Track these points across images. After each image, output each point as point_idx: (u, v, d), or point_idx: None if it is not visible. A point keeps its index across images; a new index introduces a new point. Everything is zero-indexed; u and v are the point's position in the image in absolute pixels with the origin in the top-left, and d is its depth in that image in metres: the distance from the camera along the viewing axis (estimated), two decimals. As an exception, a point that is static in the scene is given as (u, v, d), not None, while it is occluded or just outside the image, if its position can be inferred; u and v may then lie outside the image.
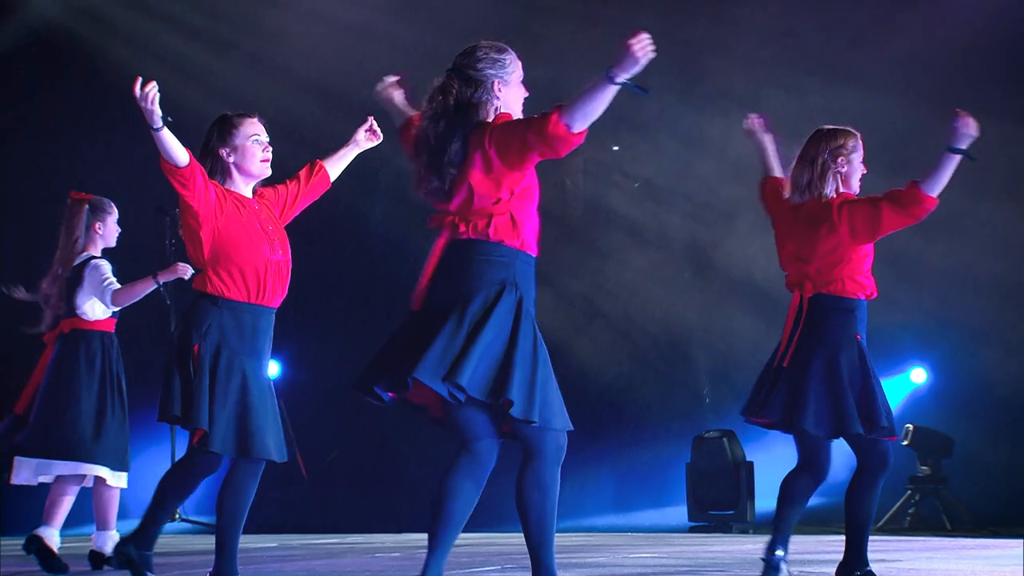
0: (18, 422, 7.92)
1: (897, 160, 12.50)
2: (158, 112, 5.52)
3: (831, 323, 6.15)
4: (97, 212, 8.02)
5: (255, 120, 6.00)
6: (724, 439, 12.42)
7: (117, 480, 7.92)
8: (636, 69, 4.73)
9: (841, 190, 6.27)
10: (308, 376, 14.04)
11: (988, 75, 12.27)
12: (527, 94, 5.15)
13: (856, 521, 6.09)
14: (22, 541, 7.96)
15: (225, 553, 5.89)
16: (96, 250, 8.00)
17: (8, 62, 13.54)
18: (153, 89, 5.50)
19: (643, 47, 4.73)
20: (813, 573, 7.08)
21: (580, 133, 4.82)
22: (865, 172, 6.38)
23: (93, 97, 13.47)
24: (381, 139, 6.40)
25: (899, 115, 12.40)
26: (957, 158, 6.01)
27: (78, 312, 7.90)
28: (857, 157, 6.32)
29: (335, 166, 6.37)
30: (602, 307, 13.53)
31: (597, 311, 13.53)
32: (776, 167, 6.62)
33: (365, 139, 6.43)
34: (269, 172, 5.98)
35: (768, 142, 6.68)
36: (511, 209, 4.93)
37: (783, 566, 6.15)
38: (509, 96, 5.10)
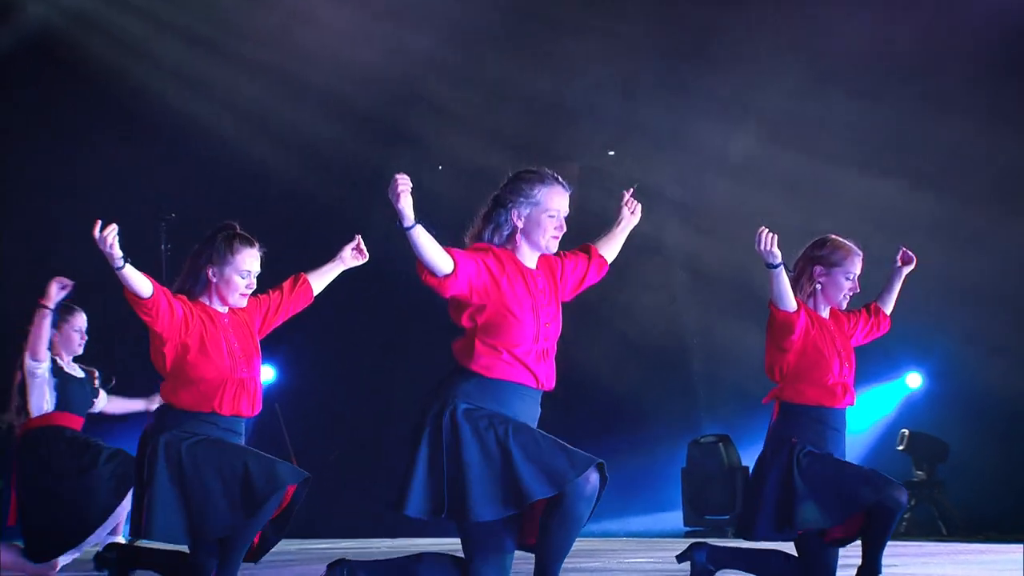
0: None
1: (894, 162, 12.54)
2: (119, 253, 5.61)
3: (773, 428, 6.28)
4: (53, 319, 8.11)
5: (254, 252, 6.04)
6: (720, 444, 12.42)
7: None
8: (401, 207, 4.87)
9: (819, 299, 6.31)
10: (303, 380, 14.03)
11: (988, 78, 12.29)
12: (557, 227, 5.20)
13: (863, 536, 6.20)
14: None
15: (224, 566, 5.88)
16: (58, 355, 8.08)
17: (3, 67, 13.53)
18: (111, 233, 5.58)
19: (395, 190, 4.88)
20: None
21: (447, 276, 4.94)
22: (857, 291, 6.36)
23: (88, 103, 13.45)
24: (367, 259, 6.38)
25: (897, 119, 12.43)
26: (777, 272, 6.01)
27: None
28: (841, 272, 6.31)
29: (319, 280, 6.34)
30: (598, 312, 13.52)
31: (593, 316, 13.53)
32: (885, 302, 6.62)
33: (351, 257, 6.39)
34: (245, 304, 6.04)
35: (898, 279, 6.64)
36: (476, 337, 5.03)
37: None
38: (529, 224, 5.18)
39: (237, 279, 5.99)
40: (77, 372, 8.18)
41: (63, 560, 8.07)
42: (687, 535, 12.18)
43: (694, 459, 12.55)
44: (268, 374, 13.76)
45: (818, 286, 6.32)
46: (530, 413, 5.09)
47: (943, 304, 12.34)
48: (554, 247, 5.22)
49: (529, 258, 5.18)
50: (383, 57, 13.44)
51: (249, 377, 5.99)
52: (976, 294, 12.36)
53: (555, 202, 5.18)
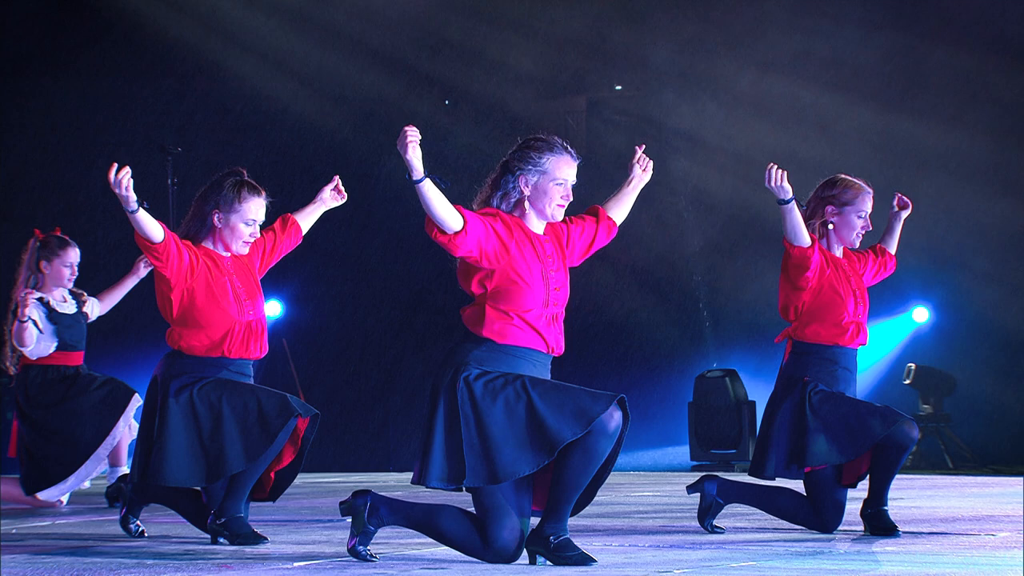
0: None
1: (905, 96, 12.48)
2: (133, 197, 5.65)
3: (784, 367, 6.32)
4: (44, 251, 8.14)
5: (261, 201, 6.08)
6: (726, 378, 12.44)
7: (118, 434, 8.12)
8: (410, 159, 4.84)
9: (832, 239, 6.31)
10: (310, 314, 14.05)
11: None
12: (563, 196, 5.18)
13: (872, 469, 6.23)
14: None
15: (231, 494, 5.92)
16: (46, 288, 8.14)
17: (10, 1, 13.46)
18: (126, 176, 5.62)
19: (403, 141, 4.86)
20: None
21: (456, 233, 4.93)
22: (869, 229, 6.36)
23: (98, 37, 13.38)
24: (346, 198, 6.44)
25: (909, 53, 12.34)
26: (789, 207, 6.03)
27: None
28: (852, 211, 6.32)
29: (305, 220, 6.41)
30: (606, 247, 13.51)
31: (600, 251, 13.52)
32: (888, 244, 6.64)
33: (330, 198, 6.44)
34: (246, 251, 6.10)
35: (898, 222, 6.67)
36: (487, 303, 5.03)
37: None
38: (536, 192, 5.16)
39: (242, 227, 6.03)
40: (70, 308, 8.21)
41: (61, 493, 8.10)
42: (694, 469, 12.23)
43: (701, 393, 12.58)
44: (275, 309, 13.79)
45: (830, 226, 6.31)
46: (541, 376, 5.10)
47: (950, 238, 12.32)
48: (560, 216, 5.22)
49: (536, 224, 5.19)
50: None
51: (256, 319, 6.04)
52: (983, 228, 12.33)
53: (563, 171, 5.18)
